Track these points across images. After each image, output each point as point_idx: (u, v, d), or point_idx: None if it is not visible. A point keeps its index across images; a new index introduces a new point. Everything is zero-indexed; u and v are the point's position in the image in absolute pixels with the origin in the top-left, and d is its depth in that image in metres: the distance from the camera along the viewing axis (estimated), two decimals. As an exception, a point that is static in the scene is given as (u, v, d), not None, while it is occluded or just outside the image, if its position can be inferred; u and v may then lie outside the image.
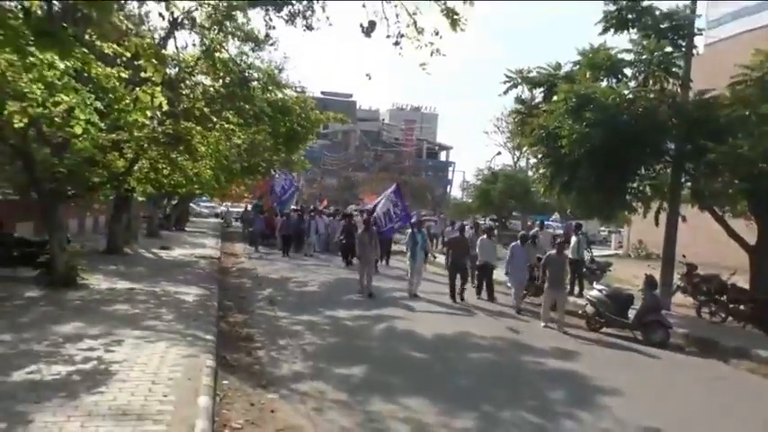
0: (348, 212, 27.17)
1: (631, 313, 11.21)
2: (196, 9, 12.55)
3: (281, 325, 10.35)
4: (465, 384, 7.58)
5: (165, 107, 9.61)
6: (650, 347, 10.30)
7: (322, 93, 79.47)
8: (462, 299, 14.06)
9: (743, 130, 12.03)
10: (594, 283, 13.37)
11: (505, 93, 15.90)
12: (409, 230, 16.24)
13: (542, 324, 11.63)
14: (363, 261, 14.32)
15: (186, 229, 32.31)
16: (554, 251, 12.19)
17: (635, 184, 14.02)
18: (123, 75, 9.54)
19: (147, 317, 9.45)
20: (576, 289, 14.90)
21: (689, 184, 14.06)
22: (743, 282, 13.18)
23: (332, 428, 5.75)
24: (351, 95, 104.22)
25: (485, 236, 15.17)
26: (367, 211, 27.04)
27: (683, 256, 14.24)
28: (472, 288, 14.98)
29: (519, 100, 16.83)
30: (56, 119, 8.74)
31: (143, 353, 7.27)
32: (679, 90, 13.80)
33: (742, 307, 12.29)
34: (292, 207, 29.51)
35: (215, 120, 13.95)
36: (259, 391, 6.73)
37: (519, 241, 13.97)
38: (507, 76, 15.67)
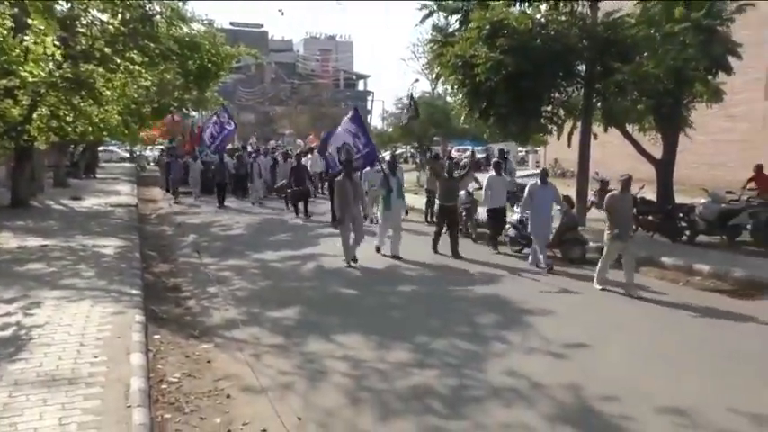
0: (298, 152, 24.18)
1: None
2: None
3: (209, 272, 10.19)
4: (398, 317, 7.78)
5: (59, 57, 8.89)
6: (569, 265, 10.86)
7: (231, 24, 76.04)
8: (458, 256, 11.35)
9: (648, 49, 12.47)
10: (516, 206, 13.56)
11: (422, 21, 15.70)
12: (369, 169, 13.65)
13: (598, 286, 9.09)
14: (348, 219, 10.62)
15: (97, 176, 30.82)
16: (617, 190, 9.28)
17: (549, 108, 14.36)
18: (7, 21, 8.72)
19: (65, 275, 9.08)
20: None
21: (600, 104, 14.52)
22: (651, 193, 13.97)
23: (271, 373, 5.79)
24: (262, 26, 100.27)
25: (493, 172, 12.41)
26: (310, 149, 25.34)
27: (596, 173, 14.88)
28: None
29: (435, 28, 16.63)
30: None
31: (66, 313, 7.01)
32: (588, 12, 14.03)
33: (650, 218, 13.08)
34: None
35: (118, 61, 13.09)
36: (193, 342, 6.67)
37: (539, 180, 10.91)
38: (423, 4, 15.43)
